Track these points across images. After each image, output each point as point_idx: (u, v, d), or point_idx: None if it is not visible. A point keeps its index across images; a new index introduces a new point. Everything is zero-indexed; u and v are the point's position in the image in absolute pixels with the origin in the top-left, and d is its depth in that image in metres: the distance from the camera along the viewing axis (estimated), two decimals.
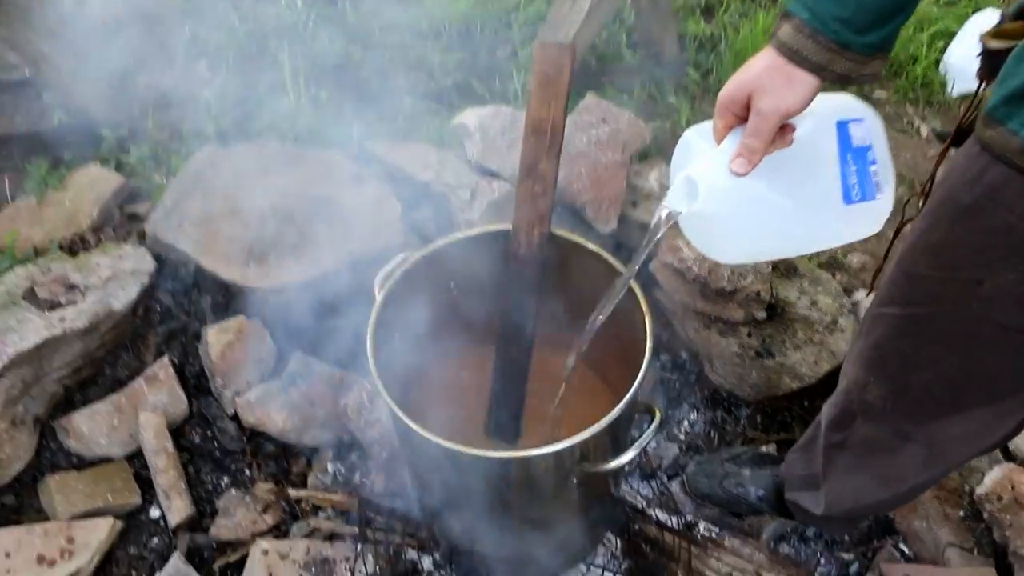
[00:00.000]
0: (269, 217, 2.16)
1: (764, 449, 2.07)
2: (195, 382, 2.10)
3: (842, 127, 1.20)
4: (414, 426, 1.33)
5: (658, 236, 1.27)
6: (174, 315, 2.17)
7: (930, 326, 1.36)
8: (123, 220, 2.32)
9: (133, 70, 2.79)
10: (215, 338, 2.04)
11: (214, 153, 2.32)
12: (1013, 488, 1.92)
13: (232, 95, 2.70)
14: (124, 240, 2.24)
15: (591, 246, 1.60)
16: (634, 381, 1.38)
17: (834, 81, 1.09)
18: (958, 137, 1.37)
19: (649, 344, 1.40)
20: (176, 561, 1.78)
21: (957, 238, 1.25)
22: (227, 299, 2.17)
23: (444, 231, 2.27)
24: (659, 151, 2.54)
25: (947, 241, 1.25)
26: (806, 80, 1.08)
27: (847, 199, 1.19)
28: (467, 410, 1.73)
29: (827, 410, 1.66)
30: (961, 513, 1.97)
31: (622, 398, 1.33)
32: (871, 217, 1.24)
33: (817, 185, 1.19)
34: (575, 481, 1.41)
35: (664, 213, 1.24)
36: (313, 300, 2.10)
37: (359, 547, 1.80)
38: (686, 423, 2.19)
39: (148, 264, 2.13)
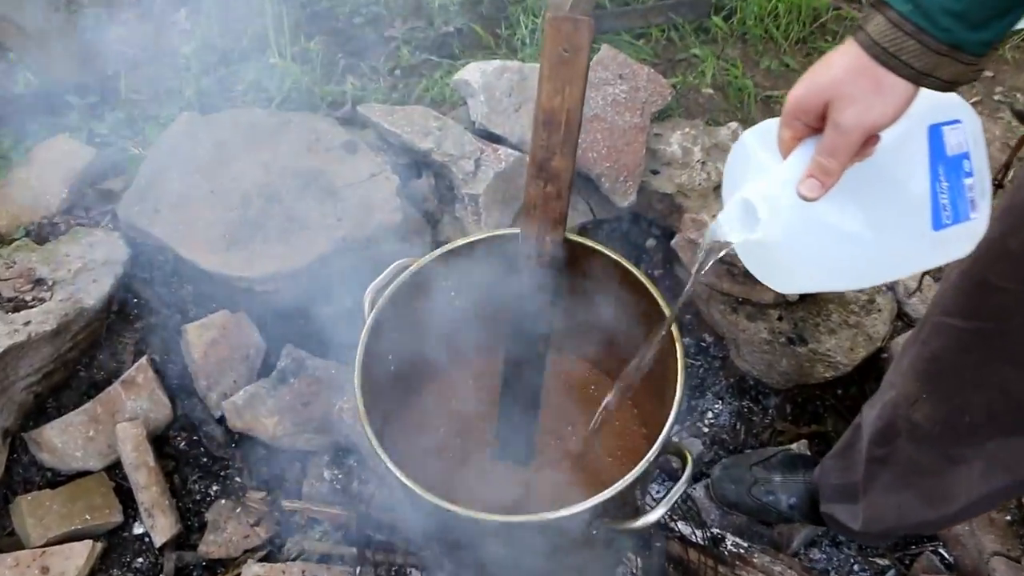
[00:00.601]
0: (253, 197, 1.97)
1: (795, 449, 1.91)
2: (178, 382, 1.93)
3: (935, 132, 0.98)
4: (409, 483, 1.16)
5: (705, 269, 1.06)
6: (153, 308, 1.99)
7: (1001, 343, 1.21)
8: (96, 198, 2.12)
9: (105, 23, 2.56)
10: (196, 336, 1.88)
11: (192, 122, 2.11)
12: None
13: (213, 50, 2.48)
14: (96, 223, 2.05)
15: (610, 253, 1.41)
16: (665, 420, 1.21)
17: (937, 89, 0.86)
18: None
19: (680, 389, 1.22)
20: None
21: None
22: (211, 288, 1.99)
23: (447, 205, 2.09)
24: (681, 111, 2.31)
25: None
26: (901, 88, 0.84)
27: (936, 224, 0.97)
28: (473, 430, 1.56)
29: (869, 416, 1.50)
30: (1008, 518, 1.82)
31: (647, 423, 1.18)
32: (962, 239, 1.01)
33: (901, 208, 0.97)
34: (594, 534, 1.25)
35: (714, 240, 1.02)
36: (304, 289, 1.92)
37: (358, 570, 1.67)
38: (710, 414, 2.02)
39: (121, 252, 1.95)
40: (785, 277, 1.07)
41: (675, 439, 1.90)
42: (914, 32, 0.81)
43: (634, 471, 1.13)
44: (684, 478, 1.19)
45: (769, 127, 0.99)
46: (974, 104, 2.57)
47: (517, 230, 1.42)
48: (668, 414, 1.21)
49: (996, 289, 1.17)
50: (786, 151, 0.94)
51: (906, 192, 0.96)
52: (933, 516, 1.50)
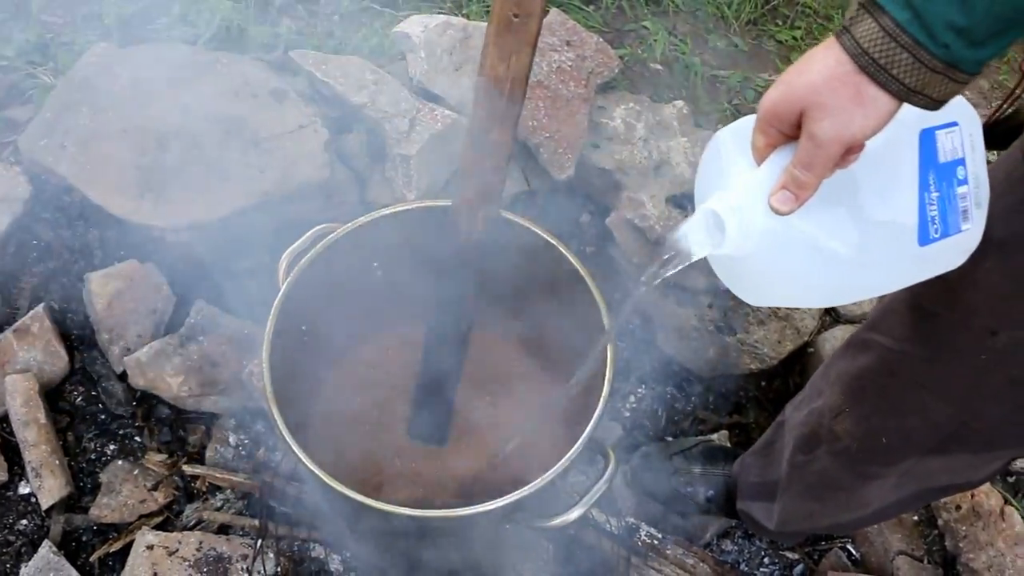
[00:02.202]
0: (171, 141, 1.84)
1: (716, 441, 1.89)
2: (79, 333, 1.81)
3: (927, 137, 0.89)
4: (314, 468, 1.09)
5: (659, 280, 0.96)
6: (54, 252, 1.86)
7: (927, 370, 1.18)
8: None
9: None
10: (100, 286, 1.76)
11: (108, 54, 1.96)
12: (972, 498, 1.80)
13: None
14: None
15: (547, 236, 1.34)
16: (590, 415, 1.16)
17: (924, 107, 0.76)
18: (994, 138, 1.08)
19: (607, 386, 1.16)
20: (46, 552, 1.55)
21: (981, 277, 1.04)
22: (119, 234, 1.86)
23: (377, 164, 1.99)
24: (627, 83, 2.25)
25: (969, 279, 1.03)
26: (884, 102, 0.75)
27: (923, 239, 0.88)
28: (391, 409, 1.49)
29: (794, 418, 1.48)
30: (915, 518, 1.85)
31: (573, 414, 1.13)
32: (952, 252, 0.94)
33: (884, 221, 0.87)
34: (508, 528, 1.20)
35: (676, 251, 0.90)
36: (220, 242, 1.82)
37: (259, 543, 1.59)
38: (632, 398, 1.99)
39: (22, 189, 1.81)
40: (758, 291, 0.97)
41: (601, 436, 1.87)
42: (910, 45, 0.72)
43: (550, 472, 1.08)
44: (605, 478, 1.15)
45: (746, 127, 0.88)
46: None
47: (447, 202, 1.34)
48: (593, 411, 1.16)
49: (930, 315, 1.14)
50: (760, 158, 0.85)
51: (890, 204, 0.87)
52: (844, 520, 1.50)
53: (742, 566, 1.82)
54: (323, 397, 1.46)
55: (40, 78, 2.06)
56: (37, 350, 1.72)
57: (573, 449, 1.09)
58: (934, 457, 1.26)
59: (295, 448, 1.10)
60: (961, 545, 1.79)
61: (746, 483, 1.65)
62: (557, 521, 1.13)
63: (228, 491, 1.71)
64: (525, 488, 1.07)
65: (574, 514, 1.12)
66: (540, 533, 1.55)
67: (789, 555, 1.86)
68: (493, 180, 1.30)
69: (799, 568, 1.84)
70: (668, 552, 1.68)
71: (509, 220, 1.35)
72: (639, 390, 2.01)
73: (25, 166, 1.84)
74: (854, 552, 1.88)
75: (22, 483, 1.67)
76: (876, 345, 1.25)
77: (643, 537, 1.70)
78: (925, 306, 1.15)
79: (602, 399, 1.15)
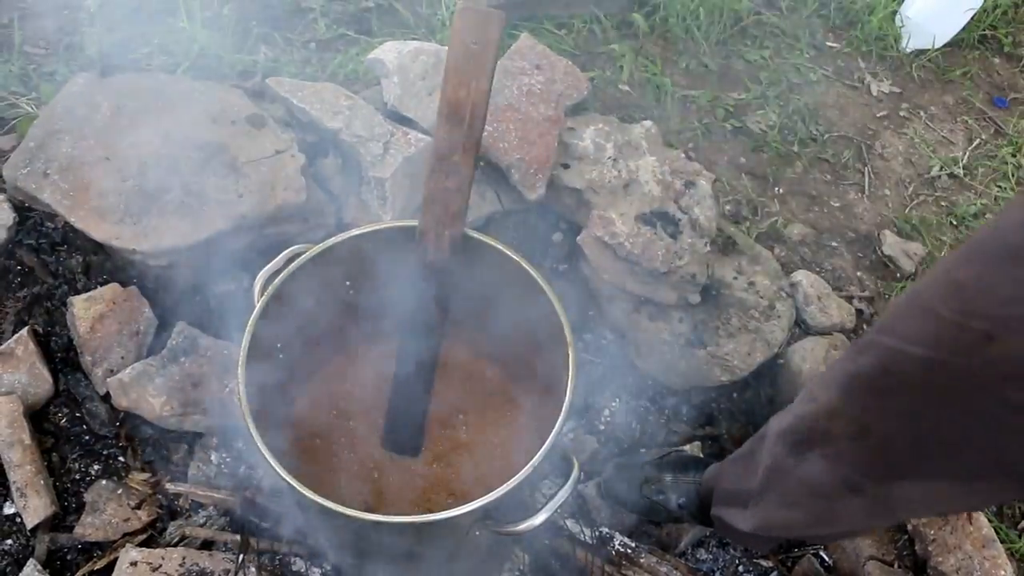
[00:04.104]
0: (151, 167, 1.89)
1: (687, 451, 1.94)
2: (63, 355, 1.85)
3: None
4: (292, 481, 1.14)
5: None
6: (38, 278, 1.90)
7: (923, 371, 1.16)
8: None
9: None
10: (83, 309, 1.80)
11: (90, 83, 2.01)
12: None
13: (119, 6, 2.37)
14: None
15: (511, 253, 1.39)
16: (554, 423, 1.20)
17: None
18: None
19: (569, 395, 1.21)
20: (31, 571, 1.59)
21: (986, 280, 1.07)
22: (102, 259, 1.91)
23: (352, 188, 2.04)
24: (597, 105, 2.31)
25: (973, 281, 1.07)
26: None
27: None
28: (365, 420, 1.53)
29: (776, 428, 1.49)
30: None
31: (539, 419, 1.16)
32: None
33: None
34: (477, 534, 1.24)
35: None
36: (199, 265, 1.86)
37: (240, 558, 1.63)
38: (607, 412, 2.03)
39: (6, 216, 1.86)
40: None
41: (570, 435, 1.92)
42: None
43: (516, 477, 1.12)
44: (568, 484, 1.19)
45: None
46: (881, 118, 2.64)
47: (415, 222, 1.39)
48: (557, 417, 1.20)
49: (936, 316, 1.12)
50: None
51: None
52: (824, 532, 1.53)
53: (716, 574, 1.86)
54: (299, 412, 1.51)
55: (22, 107, 2.11)
56: (22, 372, 1.76)
57: (536, 457, 1.14)
58: (911, 482, 1.27)
59: (269, 458, 1.14)
60: (930, 549, 1.83)
61: (722, 490, 1.67)
62: (523, 526, 1.17)
63: (210, 508, 1.75)
64: (491, 494, 1.12)
65: (539, 518, 1.17)
66: (514, 541, 1.59)
67: (763, 563, 1.90)
68: (457, 202, 1.35)
69: (773, 575, 1.88)
70: (642, 560, 1.72)
71: (474, 238, 1.39)
72: (613, 404, 2.06)
73: (9, 193, 1.88)
74: (826, 559, 1.92)
75: (7, 503, 1.70)
76: (878, 346, 1.24)
77: (617, 546, 1.74)
78: (934, 307, 1.14)
79: (564, 408, 1.20)
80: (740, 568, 1.88)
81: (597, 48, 2.55)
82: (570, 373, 1.24)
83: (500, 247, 1.39)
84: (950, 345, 1.10)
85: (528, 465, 1.15)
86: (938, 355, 1.12)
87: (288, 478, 1.14)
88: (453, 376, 1.53)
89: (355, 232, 1.40)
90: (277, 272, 1.36)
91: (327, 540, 1.50)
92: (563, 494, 1.18)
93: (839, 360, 1.37)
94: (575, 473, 1.21)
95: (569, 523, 1.77)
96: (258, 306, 1.31)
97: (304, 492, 1.13)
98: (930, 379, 1.15)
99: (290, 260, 1.37)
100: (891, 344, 1.20)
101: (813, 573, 1.87)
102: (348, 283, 1.46)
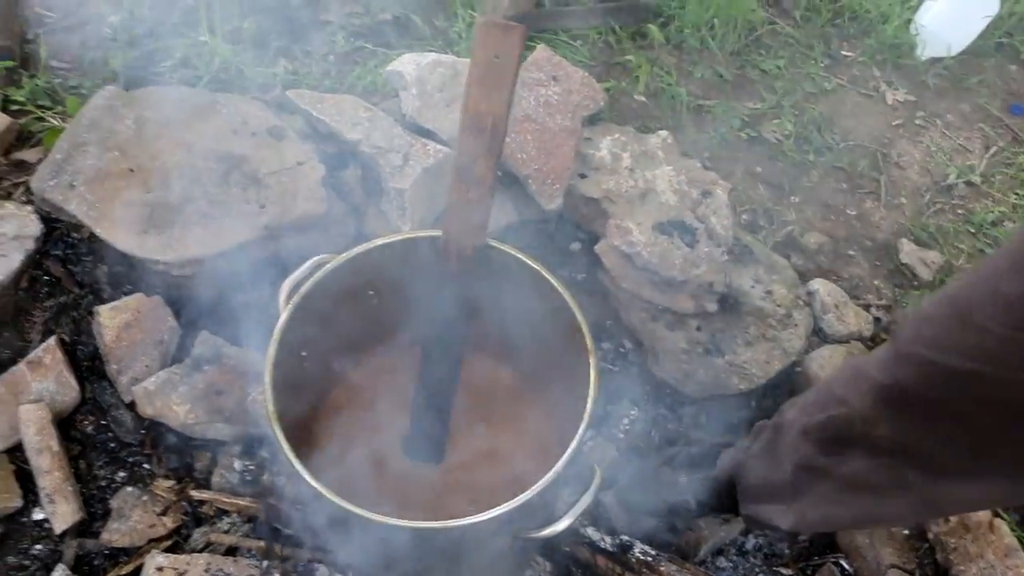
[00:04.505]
0: (174, 179, 1.92)
1: (695, 448, 1.94)
2: (89, 364, 1.88)
3: None
4: (318, 486, 1.16)
5: None
6: (65, 288, 1.93)
7: (974, 386, 1.16)
8: (8, 168, 2.05)
9: None
10: (109, 318, 1.83)
11: (115, 96, 2.04)
12: None
13: (142, 22, 2.41)
14: (8, 195, 1.98)
15: (531, 263, 1.41)
16: (577, 429, 1.22)
17: None
18: None
19: (590, 404, 1.23)
20: (60, 575, 1.61)
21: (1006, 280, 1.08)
22: (126, 269, 1.94)
23: (372, 198, 2.07)
24: (613, 115, 2.33)
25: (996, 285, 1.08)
26: None
27: None
28: (386, 427, 1.55)
29: (804, 424, 1.48)
30: (906, 532, 1.89)
31: (562, 426, 1.18)
32: None
33: None
34: (501, 541, 1.26)
35: None
36: (222, 275, 1.88)
37: (264, 564, 1.65)
38: (626, 420, 2.04)
39: (34, 228, 1.89)
40: None
41: (589, 443, 1.93)
42: None
43: (541, 482, 1.14)
44: (591, 491, 1.21)
45: None
46: (897, 126, 2.65)
47: (438, 232, 1.41)
48: (580, 423, 1.22)
49: (981, 329, 1.12)
50: None
51: None
52: (861, 527, 1.52)
53: None
54: (322, 418, 1.53)
55: (49, 121, 2.14)
56: (49, 381, 1.79)
57: (559, 462, 1.15)
58: (964, 482, 1.27)
59: (295, 463, 1.16)
60: (952, 558, 1.83)
61: (748, 486, 1.66)
62: (547, 531, 1.19)
63: (234, 515, 1.77)
64: (517, 499, 1.13)
65: (562, 524, 1.18)
66: (535, 549, 1.61)
67: (783, 571, 1.90)
68: (479, 212, 1.37)
69: None
70: (662, 568, 1.73)
71: (496, 248, 1.41)
72: (632, 412, 2.06)
73: (36, 205, 1.92)
74: (847, 567, 1.92)
75: (36, 509, 1.73)
76: (919, 359, 1.23)
77: (637, 554, 1.75)
78: (976, 320, 1.13)
79: (586, 416, 1.21)
80: (760, 575, 1.88)
81: (612, 59, 2.57)
82: (592, 379, 1.25)
83: (521, 256, 1.41)
84: (1003, 360, 1.10)
85: (553, 469, 1.16)
86: (990, 369, 1.12)
87: (313, 482, 1.16)
88: (474, 384, 1.55)
89: (379, 242, 1.42)
90: (301, 281, 1.38)
91: (350, 547, 1.52)
92: (586, 500, 1.20)
93: (865, 366, 1.36)
94: (597, 480, 1.22)
95: (590, 531, 1.78)
96: (284, 314, 1.33)
97: (330, 497, 1.14)
98: (982, 391, 1.15)
99: (314, 269, 1.39)
100: (933, 357, 1.20)
101: None
102: (371, 292, 1.48)
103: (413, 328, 1.49)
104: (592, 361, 1.26)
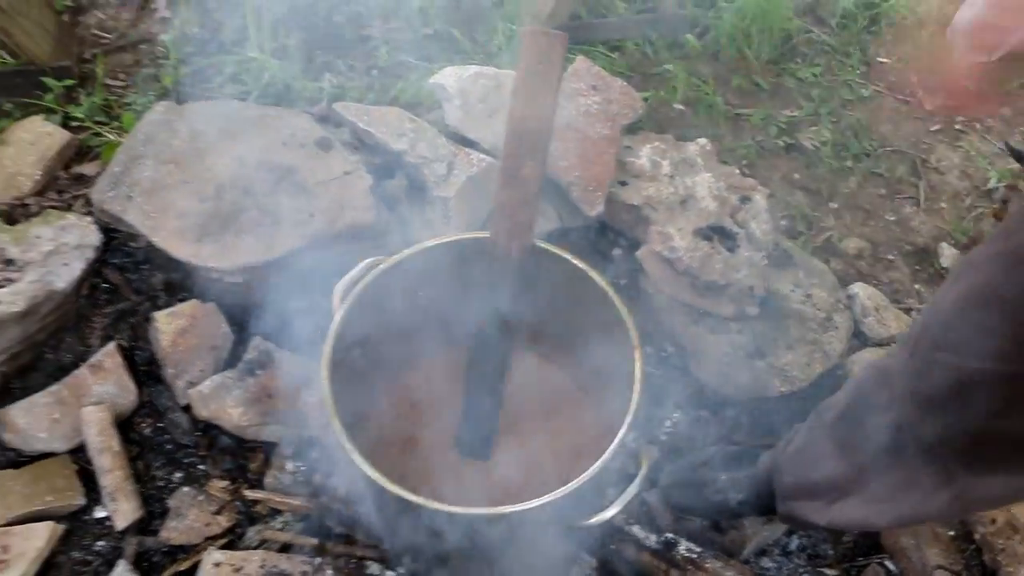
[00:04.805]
0: (227, 189, 1.98)
1: (733, 447, 1.96)
2: (146, 368, 1.95)
3: None
4: (373, 474, 1.20)
5: None
6: (123, 295, 2.00)
7: (1001, 385, 1.20)
8: (68, 182, 2.13)
9: (84, 6, 2.57)
10: (165, 324, 1.89)
11: (168, 111, 2.12)
12: (1008, 511, 1.84)
13: (192, 40, 2.50)
14: (69, 206, 2.06)
15: (577, 262, 1.45)
16: (623, 422, 1.25)
17: None
18: None
19: (636, 396, 1.26)
20: (122, 571, 1.67)
21: None
22: (181, 277, 2.01)
23: (417, 207, 2.12)
24: (652, 124, 2.37)
25: None
26: None
27: None
28: (437, 424, 1.59)
29: (850, 433, 1.52)
30: (951, 533, 1.89)
31: (609, 423, 1.21)
32: None
33: None
34: (551, 530, 1.29)
35: None
36: (274, 282, 1.94)
37: (317, 561, 1.69)
38: (668, 423, 2.07)
39: (94, 237, 1.96)
40: None
41: (632, 444, 1.95)
42: None
43: (589, 471, 1.17)
44: (638, 479, 1.24)
45: None
46: (936, 132, 2.65)
47: (486, 233, 1.46)
48: (626, 417, 1.25)
49: (993, 331, 1.17)
50: None
51: None
52: (895, 526, 1.54)
53: None
54: (375, 415, 1.57)
55: (106, 136, 2.22)
56: (110, 384, 1.86)
57: (609, 449, 1.19)
58: (999, 477, 1.30)
59: (353, 454, 1.20)
60: (999, 559, 1.83)
61: (786, 485, 1.68)
62: (595, 519, 1.22)
63: (287, 514, 1.82)
64: (565, 487, 1.17)
65: (611, 511, 1.22)
66: (582, 540, 1.63)
67: (827, 572, 1.91)
68: (525, 213, 1.41)
69: None
70: (707, 565, 1.75)
71: (541, 247, 1.45)
72: (674, 415, 2.09)
73: (95, 215, 1.99)
74: (892, 567, 1.92)
75: (98, 508, 1.78)
76: (949, 367, 1.26)
77: (682, 551, 1.77)
78: (991, 325, 1.18)
79: (632, 407, 1.24)
80: (805, 575, 1.89)
81: (650, 69, 2.61)
82: (637, 369, 1.29)
83: (567, 256, 1.45)
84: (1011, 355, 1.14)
85: (599, 460, 1.19)
86: (1006, 368, 1.16)
87: (370, 470, 1.20)
88: (522, 382, 1.58)
89: (429, 243, 1.47)
90: (354, 283, 1.43)
91: (403, 541, 1.56)
92: (633, 489, 1.23)
93: (892, 372, 1.39)
94: (643, 470, 1.26)
95: (635, 529, 1.80)
96: (338, 314, 1.38)
97: (389, 487, 1.19)
98: (1011, 390, 1.18)
99: (367, 271, 1.44)
100: (959, 363, 1.23)
101: None
102: (421, 293, 1.52)
103: (461, 327, 1.53)
104: (637, 354, 1.30)
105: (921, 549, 1.87)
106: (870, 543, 1.94)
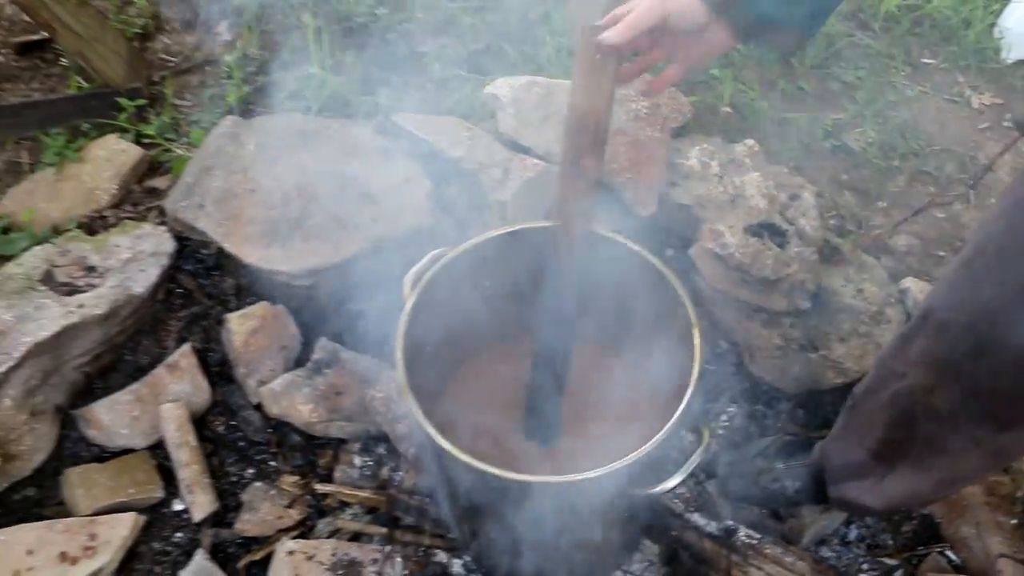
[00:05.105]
0: (293, 196, 2.07)
1: (789, 437, 1.99)
2: (218, 369, 2.03)
3: None
4: (446, 445, 1.26)
5: None
6: (196, 299, 2.10)
7: (1002, 342, 1.25)
8: (142, 195, 2.23)
9: (152, 33, 2.69)
10: (238, 324, 1.98)
11: (235, 125, 2.22)
12: None
13: (254, 60, 2.61)
14: (143, 217, 2.16)
15: (632, 245, 1.50)
16: (682, 396, 1.30)
17: None
18: None
19: (697, 366, 1.31)
20: (200, 560, 1.74)
21: None
22: (251, 282, 2.09)
23: (475, 211, 2.18)
24: (700, 127, 2.42)
25: None
26: None
27: None
28: (503, 411, 1.65)
29: (874, 403, 1.55)
30: (1014, 521, 1.89)
31: (663, 403, 1.25)
32: None
33: None
34: (614, 502, 1.34)
35: None
36: (340, 284, 2.02)
37: (387, 548, 1.75)
38: (724, 417, 2.10)
39: (168, 245, 2.05)
40: None
41: (689, 437, 1.99)
42: None
43: (655, 438, 1.22)
44: (699, 450, 1.28)
45: None
46: (984, 129, 2.67)
47: (546, 223, 1.52)
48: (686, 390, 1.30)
49: (992, 285, 1.22)
50: None
51: None
52: (937, 495, 1.57)
53: (840, 569, 1.90)
54: (443, 402, 1.63)
55: (175, 151, 2.33)
56: (185, 383, 1.94)
57: (674, 418, 1.24)
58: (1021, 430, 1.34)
59: (428, 427, 1.26)
60: None
61: (833, 467, 1.72)
62: (659, 488, 1.27)
63: (356, 506, 1.88)
64: (631, 455, 1.21)
65: (675, 480, 1.26)
66: (643, 514, 1.67)
67: (887, 561, 1.92)
68: (586, 201, 1.47)
69: (898, 574, 1.90)
70: (767, 551, 1.78)
71: (601, 235, 1.51)
72: (730, 409, 2.12)
73: (169, 224, 2.09)
74: (954, 557, 1.93)
75: (176, 501, 1.86)
76: (956, 324, 1.31)
77: (742, 538, 1.80)
78: (995, 278, 1.23)
79: (693, 379, 1.29)
80: (864, 566, 1.91)
81: (696, 75, 2.66)
82: (696, 340, 1.34)
83: (622, 240, 1.50)
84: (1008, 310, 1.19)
85: (665, 428, 1.24)
86: (999, 318, 1.22)
87: (442, 440, 1.26)
88: (584, 366, 1.63)
89: (492, 233, 1.53)
90: (423, 272, 1.49)
91: (470, 522, 1.61)
92: (695, 459, 1.27)
93: (912, 337, 1.43)
94: (705, 441, 1.30)
95: (695, 517, 1.84)
96: (408, 302, 1.44)
97: (460, 456, 1.24)
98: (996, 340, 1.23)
99: (433, 262, 1.51)
100: (966, 320, 1.28)
101: (940, 570, 1.88)
102: (487, 282, 1.58)
103: (526, 314, 1.59)
104: (696, 331, 1.35)
105: (982, 538, 1.87)
106: (930, 533, 1.94)
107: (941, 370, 1.37)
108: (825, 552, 1.93)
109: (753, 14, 1.18)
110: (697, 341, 1.34)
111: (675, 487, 1.27)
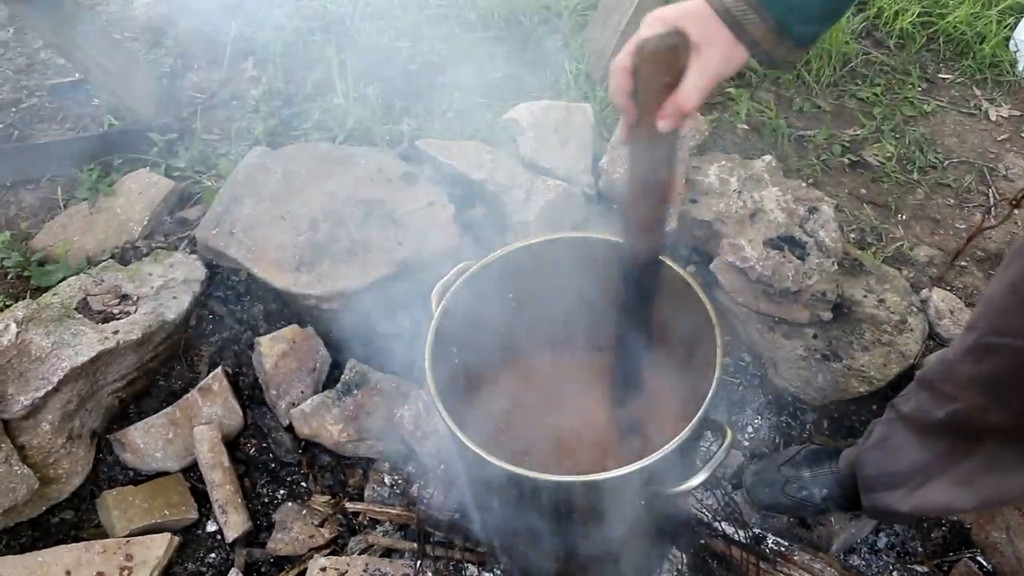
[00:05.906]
0: (320, 222, 2.12)
1: (815, 446, 1.99)
2: (249, 392, 2.07)
3: None
4: (476, 448, 1.28)
5: None
6: (227, 324, 2.14)
7: None
8: (173, 226, 2.29)
9: (181, 70, 2.77)
10: (268, 348, 2.02)
11: (263, 155, 2.28)
12: None
13: (280, 93, 2.67)
14: (175, 247, 2.22)
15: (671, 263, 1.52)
16: (704, 397, 1.31)
17: None
18: None
19: (719, 367, 1.32)
20: None
21: None
22: (280, 307, 2.14)
23: (498, 232, 2.22)
24: (717, 146, 2.45)
25: None
26: None
27: None
28: (528, 424, 1.67)
29: (926, 420, 1.56)
30: None
31: (686, 403, 1.26)
32: None
33: None
34: (642, 502, 1.35)
35: None
36: (367, 307, 2.05)
37: (418, 563, 1.77)
38: (750, 429, 2.11)
39: (199, 272, 2.10)
40: None
41: (714, 447, 2.00)
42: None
43: (678, 437, 1.23)
44: (723, 447, 1.29)
45: None
46: (1003, 141, 2.68)
47: (567, 234, 1.55)
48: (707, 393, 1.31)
49: None
50: None
51: None
52: (971, 508, 1.58)
53: None
54: (472, 412, 1.65)
55: (204, 183, 2.39)
56: (217, 406, 1.98)
57: (696, 417, 1.25)
58: None
59: (456, 431, 1.28)
60: None
61: (867, 476, 1.72)
62: (684, 487, 1.28)
63: (386, 524, 1.90)
64: (656, 453, 1.23)
65: (698, 479, 1.27)
66: (672, 541, 1.68)
67: (918, 568, 1.92)
68: (659, 212, 1.44)
69: None
70: (795, 558, 1.78)
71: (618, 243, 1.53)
72: (756, 421, 2.13)
73: (200, 253, 2.14)
74: (985, 563, 1.92)
75: (209, 522, 1.90)
76: (1004, 348, 1.32)
77: (770, 545, 1.80)
78: None
79: (715, 377, 1.31)
80: (894, 572, 1.90)
81: (713, 95, 2.70)
82: (717, 338, 1.35)
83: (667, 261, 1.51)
84: None
85: (688, 426, 1.25)
86: None
87: (468, 442, 1.28)
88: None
89: (517, 244, 1.56)
90: (449, 285, 1.53)
91: (498, 532, 1.62)
92: (719, 456, 1.28)
93: (953, 361, 1.45)
94: (729, 438, 1.31)
95: (723, 525, 1.84)
96: (436, 314, 1.47)
97: (489, 459, 1.26)
98: None
99: (460, 275, 1.54)
100: (1014, 344, 1.29)
101: None
102: (511, 295, 1.61)
103: (551, 326, 1.61)
104: (717, 331, 1.37)
105: (1014, 543, 1.86)
106: (960, 539, 1.94)
107: (993, 393, 1.38)
108: (854, 560, 1.92)
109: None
110: (718, 340, 1.36)
111: (700, 484, 1.28)
